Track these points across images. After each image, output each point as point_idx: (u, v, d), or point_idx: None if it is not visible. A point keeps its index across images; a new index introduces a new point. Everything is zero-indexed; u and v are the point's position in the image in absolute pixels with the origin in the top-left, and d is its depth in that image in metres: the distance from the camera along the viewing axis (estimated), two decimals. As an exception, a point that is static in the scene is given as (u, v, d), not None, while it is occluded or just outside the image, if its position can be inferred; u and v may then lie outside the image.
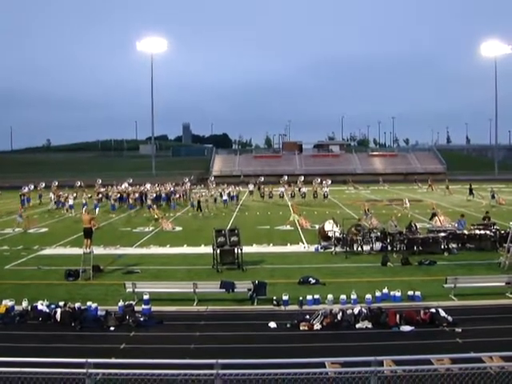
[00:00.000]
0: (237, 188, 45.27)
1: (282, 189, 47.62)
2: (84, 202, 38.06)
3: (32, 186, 44.90)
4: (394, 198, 45.31)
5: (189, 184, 48.22)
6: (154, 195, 39.77)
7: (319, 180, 48.26)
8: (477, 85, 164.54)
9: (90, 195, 40.40)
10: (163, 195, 41.45)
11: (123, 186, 44.88)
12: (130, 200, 38.41)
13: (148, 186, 44.37)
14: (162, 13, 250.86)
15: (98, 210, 34.56)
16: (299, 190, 45.90)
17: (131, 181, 49.50)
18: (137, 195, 40.46)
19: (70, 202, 37.71)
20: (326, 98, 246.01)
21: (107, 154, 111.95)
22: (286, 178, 53.05)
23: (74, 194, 40.04)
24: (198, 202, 37.18)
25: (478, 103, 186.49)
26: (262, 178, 53.16)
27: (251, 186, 48.31)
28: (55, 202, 40.33)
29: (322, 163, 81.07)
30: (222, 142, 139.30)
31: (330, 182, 48.35)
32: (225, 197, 40.56)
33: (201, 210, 36.26)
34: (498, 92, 78.54)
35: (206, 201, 38.78)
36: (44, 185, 46.69)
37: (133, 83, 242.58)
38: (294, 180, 50.38)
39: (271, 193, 45.61)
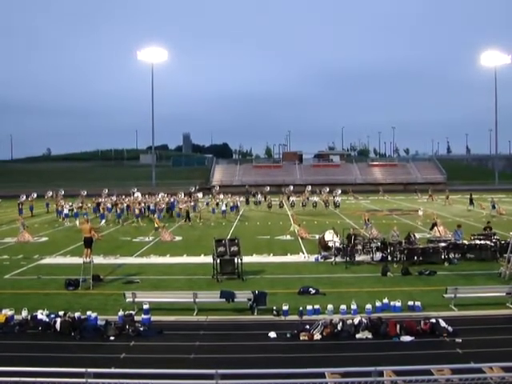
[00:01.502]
0: (237, 198, 45.10)
1: (294, 198, 47.60)
2: (75, 211, 38.14)
3: (35, 195, 45.27)
4: (394, 208, 45.36)
5: (200, 194, 48.21)
6: (147, 206, 39.70)
7: (328, 189, 48.38)
8: (477, 95, 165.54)
9: (80, 205, 40.40)
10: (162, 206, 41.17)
11: (135, 196, 44.78)
12: (118, 209, 38.25)
13: (161, 195, 44.45)
14: (162, 23, 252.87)
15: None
16: (307, 199, 46.05)
17: (136, 189, 49.72)
18: (125, 205, 40.14)
19: (66, 210, 37.81)
20: (326, 109, 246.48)
21: (107, 163, 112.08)
22: (291, 187, 53.18)
23: (70, 203, 40.05)
24: (187, 211, 37.12)
25: (478, 113, 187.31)
26: (268, 188, 53.17)
27: (259, 196, 48.03)
28: (56, 211, 40.43)
29: (322, 173, 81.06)
30: (222, 151, 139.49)
31: (339, 191, 48.60)
32: (223, 207, 40.26)
33: (189, 220, 36.11)
34: (498, 102, 78.86)
35: (199, 211, 38.71)
36: (51, 194, 46.98)
37: (133, 92, 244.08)
38: (302, 190, 50.52)
39: (282, 202, 45.62)
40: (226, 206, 40.74)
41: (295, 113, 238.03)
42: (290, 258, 22.20)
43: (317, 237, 24.74)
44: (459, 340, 11.58)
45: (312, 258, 21.76)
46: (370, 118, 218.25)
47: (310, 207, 44.10)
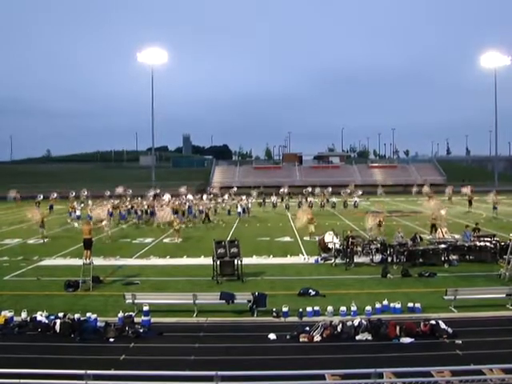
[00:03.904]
0: (248, 200, 45.02)
1: (312, 199, 47.86)
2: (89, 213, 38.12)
3: (55, 194, 47.83)
4: (394, 210, 45.31)
5: (227, 195, 48.70)
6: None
7: (348, 191, 49.14)
8: (477, 96, 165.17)
9: (94, 206, 40.39)
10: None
11: (164, 197, 44.79)
12: (123, 211, 38.25)
13: (190, 196, 44.69)
14: (162, 24, 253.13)
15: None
16: (327, 200, 46.57)
17: (158, 191, 50.70)
18: (128, 205, 40.09)
19: (78, 212, 37.87)
20: (326, 110, 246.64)
21: (107, 164, 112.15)
22: (309, 189, 53.80)
23: (82, 205, 40.19)
24: (206, 213, 37.25)
25: (478, 115, 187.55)
26: (285, 189, 53.38)
27: (274, 198, 47.83)
28: (68, 213, 40.40)
29: (322, 174, 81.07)
30: (222, 153, 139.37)
31: (360, 192, 50.10)
32: (239, 209, 40.46)
33: (209, 220, 36.39)
34: (497, 103, 78.81)
35: (215, 211, 39.04)
36: (74, 194, 47.44)
37: (133, 94, 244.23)
38: (322, 191, 51.56)
39: (300, 203, 45.82)
40: (241, 207, 40.84)
41: (295, 114, 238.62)
42: (289, 260, 22.19)
43: (317, 238, 24.71)
44: (459, 341, 11.58)
45: (312, 260, 21.75)
46: (369, 119, 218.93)
47: (329, 208, 44.68)
